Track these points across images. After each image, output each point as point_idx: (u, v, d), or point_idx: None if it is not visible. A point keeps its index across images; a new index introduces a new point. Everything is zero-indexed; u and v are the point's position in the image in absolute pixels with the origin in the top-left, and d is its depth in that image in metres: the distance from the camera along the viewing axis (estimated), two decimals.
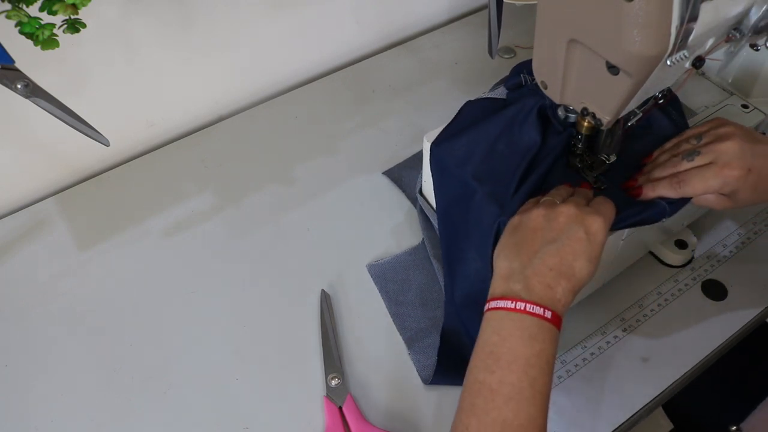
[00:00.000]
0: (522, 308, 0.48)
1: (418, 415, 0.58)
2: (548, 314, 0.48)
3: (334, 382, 0.59)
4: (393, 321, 0.64)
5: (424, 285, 0.66)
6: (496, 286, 0.50)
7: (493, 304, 0.49)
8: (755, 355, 0.79)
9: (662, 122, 0.62)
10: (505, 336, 0.47)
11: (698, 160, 0.55)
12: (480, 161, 0.60)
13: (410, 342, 0.62)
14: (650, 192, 0.57)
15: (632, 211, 0.56)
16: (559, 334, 0.48)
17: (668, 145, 0.60)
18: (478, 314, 0.52)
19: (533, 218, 0.52)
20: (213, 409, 0.59)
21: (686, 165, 0.55)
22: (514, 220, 0.53)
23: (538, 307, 0.48)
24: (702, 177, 0.54)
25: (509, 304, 0.48)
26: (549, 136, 0.61)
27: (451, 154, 0.61)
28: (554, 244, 0.50)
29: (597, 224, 0.50)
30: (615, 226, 0.55)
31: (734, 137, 0.54)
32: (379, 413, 0.58)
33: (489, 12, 0.66)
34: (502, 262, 0.51)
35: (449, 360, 0.60)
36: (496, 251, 0.53)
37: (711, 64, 0.69)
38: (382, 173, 0.77)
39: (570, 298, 0.49)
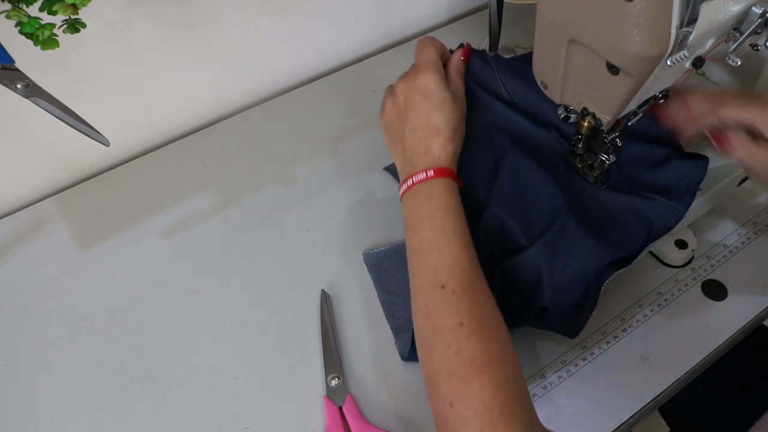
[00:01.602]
0: (412, 183, 0.57)
1: (418, 415, 0.58)
2: (431, 173, 0.56)
3: (334, 382, 0.59)
4: (382, 310, 0.64)
5: None
6: (400, 177, 0.60)
7: (400, 192, 0.58)
8: (755, 356, 0.79)
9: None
10: (411, 207, 0.56)
11: None
12: None
13: (397, 331, 0.63)
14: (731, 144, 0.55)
15: (653, 225, 0.58)
16: (451, 181, 0.56)
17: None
18: None
19: (388, 112, 0.62)
20: (213, 409, 0.59)
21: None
22: (381, 121, 0.63)
23: (421, 174, 0.56)
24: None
25: (406, 186, 0.57)
26: (539, 140, 0.62)
27: None
28: (409, 121, 0.59)
29: (423, 79, 0.59)
30: (642, 248, 0.59)
31: None
32: (379, 413, 0.58)
33: (489, 12, 0.67)
34: (394, 158, 0.62)
35: None
36: (391, 153, 0.63)
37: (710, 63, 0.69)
38: (384, 168, 0.77)
39: (450, 147, 0.58)
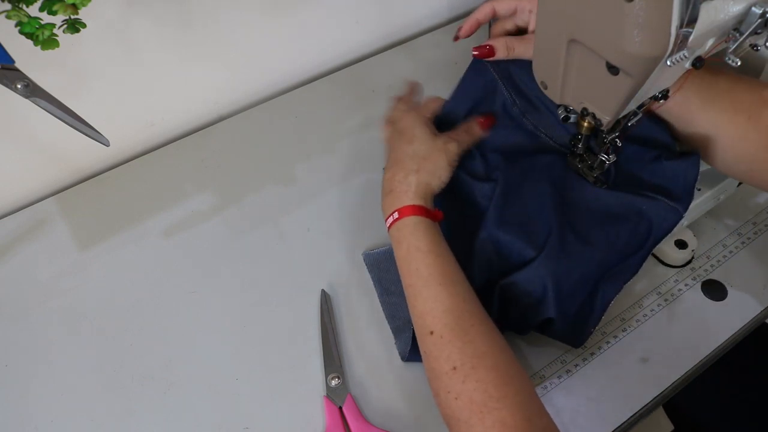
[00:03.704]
0: (387, 227, 0.57)
1: (418, 415, 0.58)
2: (396, 215, 0.56)
3: (334, 382, 0.59)
4: (382, 310, 0.64)
5: None
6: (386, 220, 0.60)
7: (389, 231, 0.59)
8: (755, 355, 0.79)
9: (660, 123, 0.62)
10: (395, 245, 0.56)
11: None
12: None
13: (397, 331, 0.63)
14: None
15: (653, 229, 0.59)
16: (418, 219, 0.55)
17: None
18: None
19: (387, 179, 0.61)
20: (213, 409, 0.59)
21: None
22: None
23: (389, 218, 0.57)
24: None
25: (389, 226, 0.58)
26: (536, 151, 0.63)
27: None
28: (390, 160, 0.61)
29: (396, 113, 0.65)
30: (647, 252, 0.59)
31: None
32: (379, 413, 0.58)
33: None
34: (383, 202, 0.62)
35: None
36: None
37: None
38: (384, 168, 0.76)
39: (413, 179, 0.58)
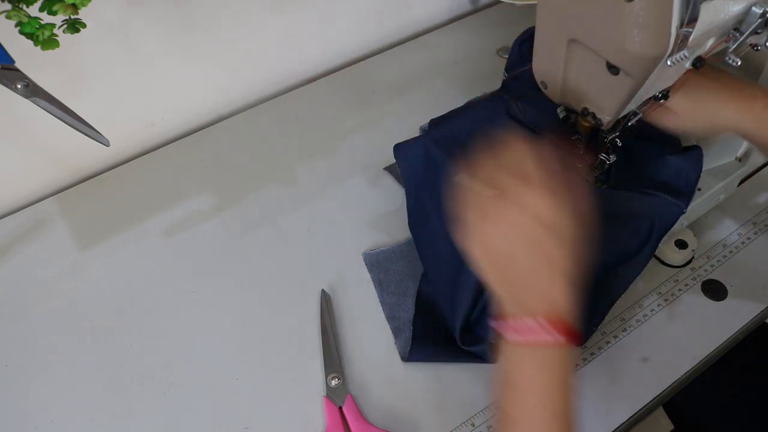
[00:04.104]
0: (521, 334, 0.46)
1: (418, 415, 0.58)
2: (546, 325, 0.45)
3: (334, 382, 0.59)
4: (382, 310, 0.64)
5: (417, 276, 0.66)
6: (500, 313, 0.48)
7: (503, 332, 0.47)
8: (755, 355, 0.79)
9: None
10: (517, 364, 0.46)
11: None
12: (455, 150, 0.64)
13: (397, 331, 0.63)
14: None
15: (656, 223, 0.58)
16: (570, 348, 0.46)
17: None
18: (449, 287, 0.59)
19: (494, 241, 0.48)
20: (213, 409, 0.59)
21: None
22: (477, 246, 0.49)
23: (530, 320, 0.45)
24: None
25: (513, 333, 0.46)
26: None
27: (429, 140, 0.66)
28: (525, 257, 0.47)
29: (537, 204, 0.46)
30: (652, 249, 0.60)
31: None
32: (379, 413, 0.58)
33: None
34: (496, 291, 0.48)
35: (425, 333, 0.61)
36: (485, 278, 0.49)
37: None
38: (384, 168, 0.77)
39: (569, 288, 0.46)
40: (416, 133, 0.78)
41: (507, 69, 0.72)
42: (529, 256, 0.47)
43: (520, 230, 0.47)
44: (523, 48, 0.70)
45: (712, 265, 0.66)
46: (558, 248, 0.46)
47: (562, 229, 0.47)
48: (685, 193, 0.59)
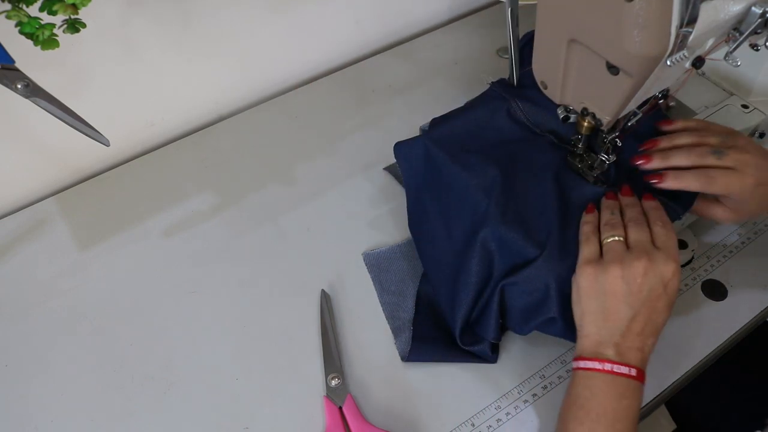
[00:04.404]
0: (610, 369, 0.50)
1: (418, 415, 0.58)
2: (633, 372, 0.50)
3: (334, 382, 0.59)
4: (382, 310, 0.64)
5: (417, 276, 0.66)
6: (585, 347, 0.52)
7: (582, 363, 0.51)
8: (755, 355, 0.79)
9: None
10: (595, 392, 0.50)
11: (725, 161, 0.54)
12: (457, 148, 0.65)
13: (397, 331, 0.63)
14: (673, 182, 0.55)
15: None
16: (643, 386, 0.51)
17: (684, 129, 0.59)
18: (449, 287, 0.60)
19: (611, 282, 0.51)
20: (213, 409, 0.59)
21: (713, 161, 0.54)
22: (588, 280, 0.52)
23: (625, 367, 0.50)
24: (728, 179, 0.54)
25: (599, 365, 0.50)
26: (536, 150, 0.63)
27: (430, 139, 0.66)
28: (640, 310, 0.51)
29: (670, 271, 0.51)
30: None
31: (752, 150, 0.55)
32: (379, 413, 0.58)
33: (510, 43, 0.67)
34: (590, 327, 0.52)
35: (425, 334, 0.61)
36: (578, 311, 0.53)
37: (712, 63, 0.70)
38: (384, 168, 0.77)
39: (653, 347, 0.52)
40: (416, 133, 0.78)
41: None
42: (643, 313, 0.51)
43: (642, 283, 0.51)
44: (524, 52, 0.70)
45: (712, 265, 0.66)
46: (666, 312, 0.52)
47: (675, 296, 0.52)
48: (684, 197, 0.59)
